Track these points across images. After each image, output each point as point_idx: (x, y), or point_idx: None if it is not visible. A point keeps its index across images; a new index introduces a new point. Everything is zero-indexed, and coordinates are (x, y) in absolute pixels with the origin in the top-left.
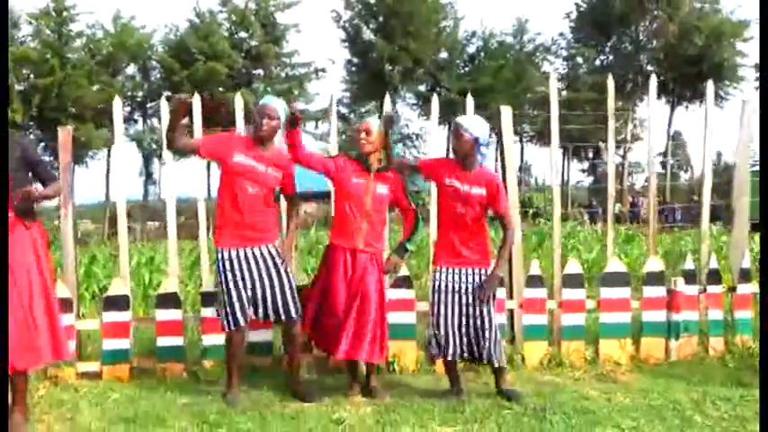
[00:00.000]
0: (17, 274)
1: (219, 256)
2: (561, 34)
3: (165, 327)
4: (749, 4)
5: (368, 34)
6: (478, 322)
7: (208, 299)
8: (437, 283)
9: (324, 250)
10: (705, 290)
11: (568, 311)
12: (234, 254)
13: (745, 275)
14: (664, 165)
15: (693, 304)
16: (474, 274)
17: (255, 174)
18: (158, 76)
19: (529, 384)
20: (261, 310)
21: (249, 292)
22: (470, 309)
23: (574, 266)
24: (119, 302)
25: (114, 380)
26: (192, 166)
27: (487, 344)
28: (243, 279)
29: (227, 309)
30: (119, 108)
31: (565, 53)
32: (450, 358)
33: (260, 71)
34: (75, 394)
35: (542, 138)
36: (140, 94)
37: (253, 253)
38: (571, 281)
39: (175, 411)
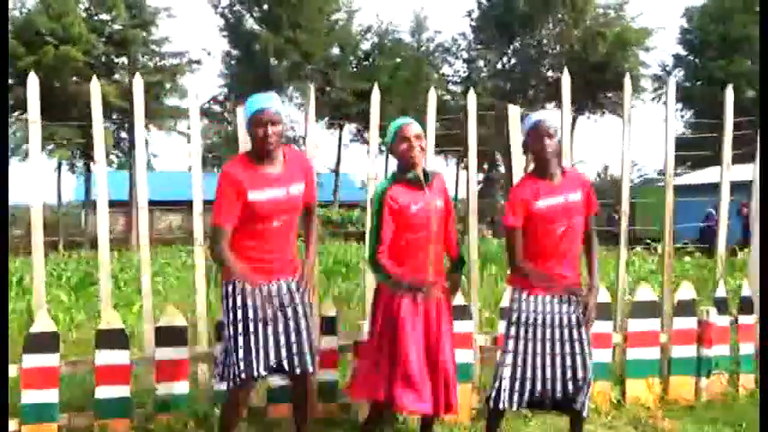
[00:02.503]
0: None
1: (229, 289)
2: (462, 34)
3: (108, 373)
4: (652, 12)
5: (251, 23)
6: (578, 360)
7: (164, 336)
8: (523, 313)
9: (378, 292)
10: (737, 321)
11: (597, 347)
12: (249, 288)
13: None
14: None
15: (725, 337)
16: (568, 301)
17: (279, 204)
18: None
19: None
20: (273, 359)
21: (262, 339)
22: (566, 345)
23: (601, 294)
24: (45, 342)
25: None
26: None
27: (581, 386)
28: (256, 322)
29: (235, 358)
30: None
31: (465, 55)
32: (520, 407)
33: (124, 59)
34: None
35: (438, 145)
36: None
37: (269, 289)
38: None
39: None
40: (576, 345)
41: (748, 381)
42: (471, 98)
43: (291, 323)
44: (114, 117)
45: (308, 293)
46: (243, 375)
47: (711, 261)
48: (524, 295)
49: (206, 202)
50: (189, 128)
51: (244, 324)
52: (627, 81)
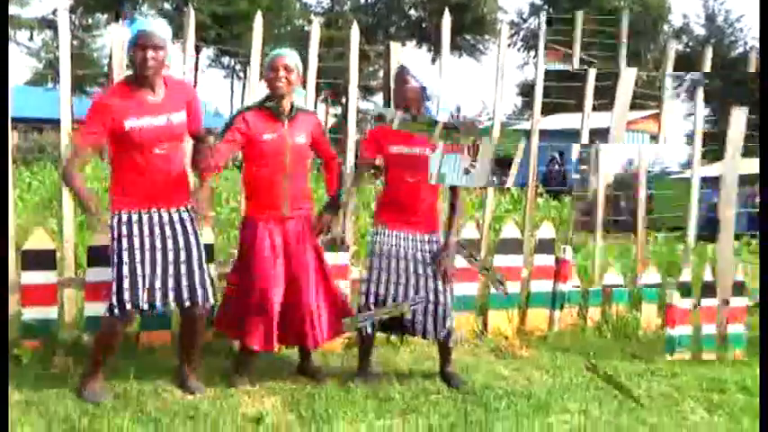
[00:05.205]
0: None
1: (115, 220)
2: None
3: None
4: None
5: None
6: (431, 296)
7: (30, 259)
8: (379, 245)
9: (241, 226)
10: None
11: (462, 281)
12: (135, 217)
13: None
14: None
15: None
16: (424, 241)
17: (157, 132)
18: None
19: (426, 361)
20: (159, 294)
21: (148, 269)
22: (420, 279)
23: (470, 231)
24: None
25: None
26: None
27: (435, 318)
28: (143, 251)
29: (115, 287)
30: None
31: None
32: (380, 332)
33: None
34: None
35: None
36: None
37: (160, 217)
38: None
39: (17, 414)
40: (431, 280)
41: (595, 313)
42: (355, 32)
43: (183, 253)
44: None
45: (198, 222)
46: (127, 305)
47: (558, 203)
48: (386, 230)
49: (42, 120)
50: (30, 39)
51: (129, 254)
52: (504, 28)
